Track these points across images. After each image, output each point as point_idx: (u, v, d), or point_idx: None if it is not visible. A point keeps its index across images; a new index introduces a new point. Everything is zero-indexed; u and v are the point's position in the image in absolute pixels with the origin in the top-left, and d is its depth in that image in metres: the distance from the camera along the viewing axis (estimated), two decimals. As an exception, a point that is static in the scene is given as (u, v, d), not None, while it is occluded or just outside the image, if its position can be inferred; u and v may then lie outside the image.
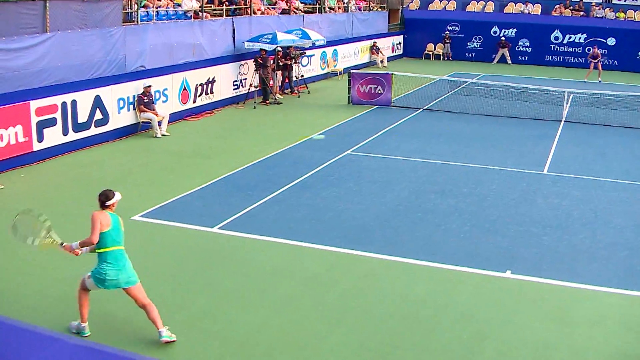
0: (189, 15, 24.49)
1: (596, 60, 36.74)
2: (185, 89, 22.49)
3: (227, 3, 27.25)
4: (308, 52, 30.51)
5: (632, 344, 8.98)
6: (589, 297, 10.33)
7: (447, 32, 45.00)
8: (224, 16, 26.27)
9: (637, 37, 42.02)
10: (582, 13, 44.64)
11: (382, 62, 39.74)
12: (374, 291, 10.21)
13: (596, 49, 37.83)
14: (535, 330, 9.20)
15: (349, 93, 26.26)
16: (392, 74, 26.32)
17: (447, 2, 47.25)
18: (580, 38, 43.24)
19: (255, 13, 28.58)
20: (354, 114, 24.10)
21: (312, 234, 12.38)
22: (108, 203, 8.47)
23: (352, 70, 27.49)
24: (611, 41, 42.41)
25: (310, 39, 28.66)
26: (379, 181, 15.88)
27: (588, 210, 14.29)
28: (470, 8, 46.55)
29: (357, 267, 11.09)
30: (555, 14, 44.86)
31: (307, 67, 31.19)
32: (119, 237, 8.43)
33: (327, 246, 11.83)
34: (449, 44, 45.01)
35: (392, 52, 44.11)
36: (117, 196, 8.60)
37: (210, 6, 26.47)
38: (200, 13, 24.87)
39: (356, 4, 42.24)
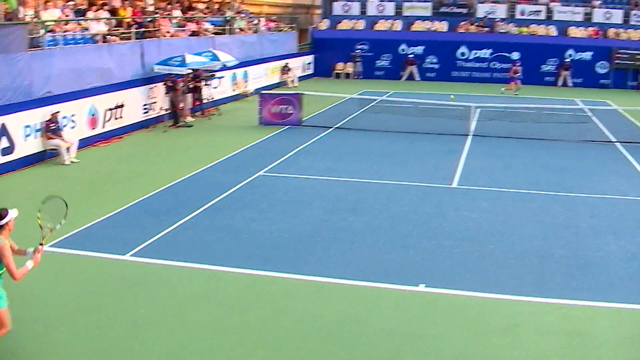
0: (97, 39, 24.14)
1: (516, 76, 38.35)
2: (93, 114, 22.14)
3: (135, 26, 27.00)
4: (218, 74, 30.44)
5: (545, 350, 9.25)
6: (502, 306, 10.59)
7: (356, 51, 45.57)
8: (133, 39, 25.98)
9: (539, 51, 43.45)
10: (486, 29, 45.90)
11: (292, 82, 39.96)
12: (292, 311, 10.23)
13: (517, 66, 39.06)
14: (450, 342, 9.37)
15: (259, 114, 26.28)
16: (302, 93, 26.51)
17: (355, 21, 47.87)
18: (485, 53, 44.53)
19: (164, 36, 28.38)
20: (265, 134, 24.15)
21: (227, 257, 12.32)
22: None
23: (262, 91, 27.57)
24: (515, 55, 43.71)
25: (220, 60, 28.62)
26: (292, 201, 15.95)
27: (497, 221, 14.67)
28: (378, 27, 47.28)
29: (274, 288, 11.10)
30: (461, 31, 46.01)
31: (218, 89, 31.10)
32: None
33: (243, 268, 11.80)
34: (358, 63, 45.58)
35: (303, 72, 44.42)
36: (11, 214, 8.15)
37: (119, 29, 26.16)
38: (108, 37, 24.56)
39: (266, 24, 42.42)
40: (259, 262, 12.08)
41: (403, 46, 45.41)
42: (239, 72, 34.02)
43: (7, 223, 8.08)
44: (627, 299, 10.91)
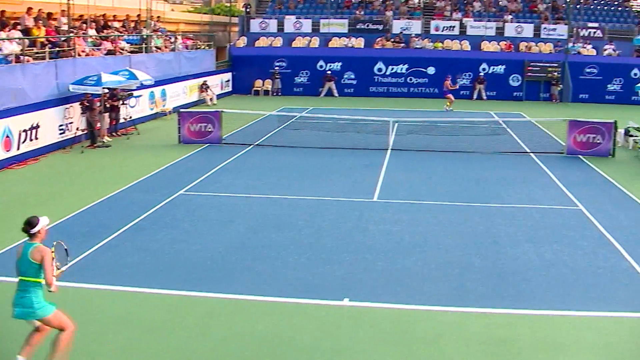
0: (10, 59, 23.58)
1: (452, 89, 38.70)
2: (7, 135, 21.58)
3: (49, 46, 26.47)
4: (136, 93, 30.09)
5: (467, 358, 9.39)
6: (425, 317, 10.71)
7: (275, 68, 45.67)
8: (47, 59, 25.47)
9: (454, 65, 44.36)
10: (402, 45, 46.66)
11: (211, 99, 39.79)
12: (218, 331, 10.13)
13: (448, 81, 39.44)
14: (375, 354, 9.43)
15: (179, 132, 26.06)
16: (222, 111, 26.40)
17: (273, 38, 48.02)
18: (402, 69, 45.20)
19: (79, 55, 27.91)
20: (185, 153, 23.95)
21: (150, 278, 12.14)
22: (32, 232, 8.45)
23: (181, 110, 27.36)
24: (431, 70, 44.55)
25: (137, 79, 28.30)
26: (214, 219, 15.84)
27: (418, 234, 14.86)
28: (296, 44, 47.54)
29: (198, 308, 10.98)
30: (377, 47, 46.64)
31: (135, 108, 30.73)
32: (21, 267, 8.38)
33: (166, 290, 11.64)
34: (278, 80, 45.68)
35: (221, 89, 44.28)
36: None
37: (32, 49, 25.61)
38: (21, 57, 24.02)
39: (183, 42, 42.17)
40: (182, 283, 11.94)
41: (321, 62, 45.75)
42: (157, 90, 33.70)
43: (39, 231, 8.45)
44: (546, 305, 11.17)
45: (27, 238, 8.48)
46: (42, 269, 8.25)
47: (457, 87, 40.16)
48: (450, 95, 38.26)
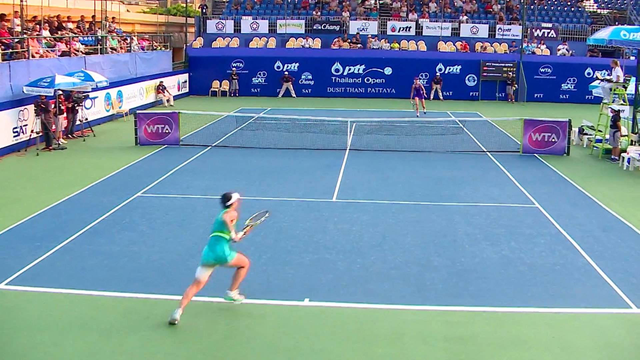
0: (-39, 61, 23.19)
1: (420, 92, 36.34)
2: (-41, 139, 21.23)
3: (2, 47, 26.05)
4: (91, 94, 29.76)
5: (430, 357, 9.45)
6: (386, 315, 10.76)
7: (232, 68, 45.49)
8: (0, 61, 25.08)
9: (411, 66, 44.63)
10: (359, 45, 46.85)
11: (168, 101, 39.51)
12: (177, 333, 10.06)
13: (418, 82, 37.11)
14: (336, 354, 9.45)
15: (136, 134, 25.83)
16: (179, 112, 26.22)
17: (230, 39, 47.86)
18: (359, 69, 45.30)
19: (33, 56, 27.52)
20: (143, 154, 23.75)
21: (108, 282, 12.00)
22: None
23: (138, 111, 27.12)
24: (388, 70, 44.76)
25: (93, 80, 27.99)
26: (173, 222, 15.72)
27: (377, 233, 14.91)
28: (253, 44, 47.44)
29: (157, 311, 10.87)
30: (335, 47, 46.73)
31: (92, 110, 30.40)
32: (214, 226, 10.94)
33: (124, 293, 11.52)
34: (235, 81, 45.53)
35: (178, 90, 43.99)
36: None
37: (-16, 51, 25.25)
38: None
39: (139, 43, 41.81)
40: (141, 286, 11.84)
41: (278, 63, 45.69)
42: (113, 91, 33.37)
43: (232, 203, 10.90)
44: (505, 302, 11.30)
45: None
46: (227, 227, 10.66)
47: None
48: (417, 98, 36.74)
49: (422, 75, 44.95)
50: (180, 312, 10.35)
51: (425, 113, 35.41)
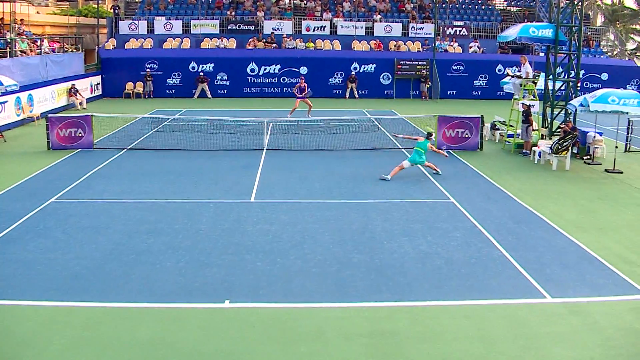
0: None
1: (303, 94, 33.47)
2: None
3: None
4: (0, 99, 28.94)
5: (352, 353, 9.53)
6: (308, 314, 10.81)
7: (147, 70, 44.90)
8: None
9: (326, 65, 44.89)
10: (274, 45, 46.79)
11: (81, 104, 38.74)
12: (97, 341, 9.88)
13: (303, 82, 34.67)
14: (259, 354, 9.47)
15: (48, 138, 25.21)
16: (92, 115, 25.73)
17: (143, 40, 47.20)
18: (275, 69, 45.26)
19: None
20: (55, 159, 23.20)
21: (23, 291, 11.69)
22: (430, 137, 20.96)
23: (50, 115, 26.49)
24: (303, 70, 44.84)
25: (2, 84, 27.21)
26: (88, 227, 15.42)
27: (296, 232, 14.95)
28: (167, 45, 46.90)
29: (76, 318, 10.66)
30: (250, 47, 46.59)
31: (1, 114, 29.56)
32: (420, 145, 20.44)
33: (41, 301, 11.25)
34: (150, 82, 44.93)
35: (91, 93, 43.12)
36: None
37: None
38: None
39: (49, 45, 40.84)
40: (58, 294, 11.58)
41: (193, 64, 45.26)
42: (24, 95, 32.50)
43: (432, 137, 21.40)
44: (424, 296, 11.50)
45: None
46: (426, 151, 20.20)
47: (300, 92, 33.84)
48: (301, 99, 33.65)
49: (337, 74, 45.34)
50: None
51: (290, 115, 32.10)
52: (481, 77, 46.00)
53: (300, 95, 33.46)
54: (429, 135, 21.23)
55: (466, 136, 25.35)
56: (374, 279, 12.30)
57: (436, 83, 45.02)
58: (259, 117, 28.03)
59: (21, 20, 41.39)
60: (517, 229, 15.42)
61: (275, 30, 47.98)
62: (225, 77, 45.43)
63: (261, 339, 9.93)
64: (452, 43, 48.15)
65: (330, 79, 45.50)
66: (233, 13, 49.56)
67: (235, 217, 16.24)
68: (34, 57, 36.53)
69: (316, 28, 48.51)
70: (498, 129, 28.37)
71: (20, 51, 35.78)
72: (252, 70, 45.31)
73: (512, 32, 26.75)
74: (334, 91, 45.44)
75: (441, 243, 14.30)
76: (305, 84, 34.30)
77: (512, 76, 27.94)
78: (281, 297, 11.44)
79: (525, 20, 48.06)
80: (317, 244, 14.21)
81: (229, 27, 48.09)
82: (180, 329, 10.27)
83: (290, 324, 10.46)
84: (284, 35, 47.44)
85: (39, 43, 38.99)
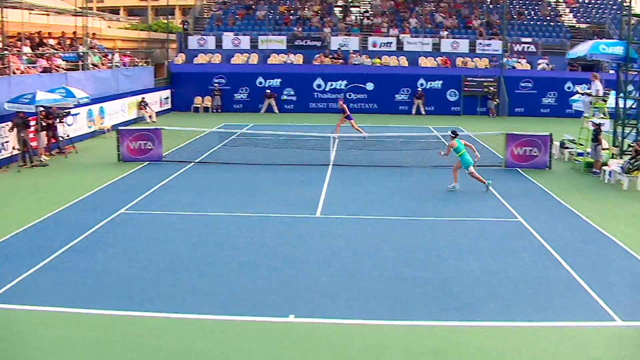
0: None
1: (345, 115, 32.15)
2: (-60, 157, 21.05)
3: (-18, 64, 26.04)
4: (73, 111, 29.67)
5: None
6: (370, 331, 10.74)
7: (215, 84, 45.50)
8: (-20, 77, 25.04)
9: (392, 81, 44.86)
10: (341, 61, 46.93)
11: (150, 117, 39.44)
12: (160, 351, 9.99)
13: (342, 103, 33.87)
14: (322, 371, 9.45)
15: (118, 150, 25.74)
16: (162, 128, 26.17)
17: (212, 55, 47.83)
18: (341, 85, 45.39)
19: (14, 73, 27.42)
20: (125, 171, 23.66)
21: (91, 299, 11.91)
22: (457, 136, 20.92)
23: (121, 127, 27.01)
24: (370, 86, 44.90)
25: (75, 97, 27.92)
26: (155, 238, 15.65)
27: (361, 249, 14.90)
28: (236, 60, 47.42)
29: (140, 328, 10.82)
30: (317, 63, 46.82)
31: (74, 126, 30.31)
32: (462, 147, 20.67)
33: (108, 310, 11.44)
34: (218, 97, 45.52)
35: (161, 106, 43.91)
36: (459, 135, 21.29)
37: (-35, 68, 25.17)
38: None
39: (121, 59, 41.73)
40: (124, 303, 11.76)
41: (260, 79, 45.74)
42: (96, 108, 33.27)
43: (457, 135, 21.43)
44: (489, 316, 11.32)
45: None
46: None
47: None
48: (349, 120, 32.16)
49: (403, 91, 45.27)
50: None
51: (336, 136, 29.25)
52: (550, 94, 45.36)
53: (346, 115, 32.02)
54: (454, 134, 21.34)
55: (535, 154, 24.98)
56: (439, 297, 12.17)
57: (504, 100, 44.55)
58: (325, 133, 28.12)
59: (93, 34, 42.40)
60: (586, 250, 15.10)
61: (342, 46, 48.10)
62: (292, 93, 45.76)
63: (325, 355, 9.89)
64: (520, 60, 47.58)
65: (396, 95, 45.47)
66: (300, 29, 49.90)
67: (300, 231, 16.28)
68: (105, 71, 37.38)
69: (383, 44, 48.47)
70: (567, 148, 27.89)
71: (93, 64, 36.65)
72: (319, 85, 45.53)
73: (583, 49, 26.32)
74: (400, 107, 45.37)
75: (508, 262, 14.09)
76: (345, 105, 32.96)
77: (582, 94, 27.48)
78: (345, 312, 11.39)
79: (595, 37, 47.10)
80: (382, 260, 14.14)
81: (296, 43, 48.41)
82: (243, 343, 10.31)
83: (354, 340, 10.41)
84: (351, 51, 47.52)
85: (110, 57, 39.86)
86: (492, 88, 44.78)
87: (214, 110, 45.44)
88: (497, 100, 44.61)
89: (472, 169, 20.78)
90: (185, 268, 13.63)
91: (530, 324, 11.09)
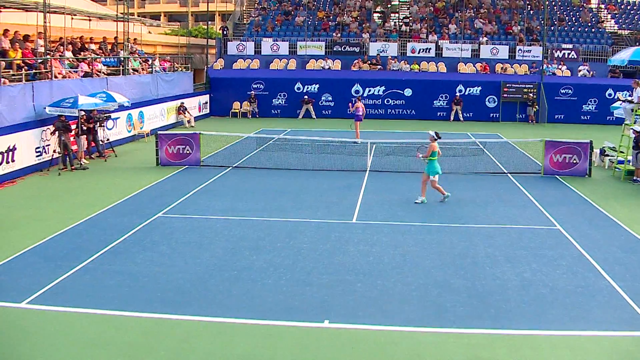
0: (-15, 81, 23.45)
1: (359, 115, 33.01)
2: (-17, 159, 21.42)
3: (26, 68, 26.36)
4: (113, 115, 30.00)
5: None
6: (405, 338, 10.68)
7: (252, 90, 45.74)
8: (24, 81, 25.38)
9: (430, 87, 44.72)
10: (379, 67, 46.91)
11: (189, 122, 39.75)
12: (195, 354, 10.04)
13: (359, 103, 33.93)
14: (356, 377, 9.41)
15: (157, 154, 25.97)
16: (200, 133, 26.35)
17: (250, 61, 48.10)
18: (379, 90, 45.35)
19: (56, 77, 27.81)
20: (164, 175, 23.87)
21: (128, 301, 12.03)
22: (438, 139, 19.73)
23: (160, 132, 27.26)
24: (408, 92, 44.80)
25: (115, 101, 28.22)
26: (192, 242, 15.75)
27: (397, 255, 14.86)
28: (274, 66, 47.64)
29: (176, 331, 10.89)
30: (355, 69, 46.84)
31: (113, 130, 30.65)
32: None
33: (144, 312, 11.54)
34: (255, 102, 45.75)
35: (199, 111, 44.26)
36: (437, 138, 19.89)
37: (9, 71, 25.50)
38: (-3, 79, 23.90)
39: (160, 65, 42.13)
40: (160, 306, 11.86)
41: (298, 84, 45.89)
42: (135, 112, 33.62)
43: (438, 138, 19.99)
44: (525, 325, 11.20)
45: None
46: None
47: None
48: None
49: (442, 97, 45.10)
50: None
51: (358, 143, 29.95)
52: (590, 101, 44.86)
53: (357, 115, 32.68)
54: (437, 136, 20.09)
55: (574, 162, 24.69)
56: (475, 305, 12.08)
57: (543, 106, 44.14)
58: (363, 139, 28.06)
59: (134, 39, 42.85)
60: (625, 259, 14.88)
61: (380, 52, 48.11)
62: (330, 98, 45.82)
63: (359, 361, 9.89)
64: (560, 66, 47.14)
65: (434, 101, 45.31)
66: (339, 35, 50.01)
67: (336, 237, 16.27)
68: (145, 76, 37.75)
69: (421, 50, 48.38)
70: (607, 155, 27.53)
71: (133, 69, 37.04)
72: (357, 91, 45.50)
73: (624, 56, 25.99)
74: (439, 113, 45.22)
75: (545, 271, 13.94)
76: (359, 106, 33.27)
77: (624, 101, 27.12)
78: (380, 319, 11.36)
79: (637, 44, 46.61)
80: (418, 267, 14.09)
81: (335, 49, 48.53)
82: (278, 347, 10.33)
83: (387, 347, 10.37)
84: (389, 57, 47.48)
85: (150, 62, 40.26)
86: (531, 94, 44.42)
87: (252, 116, 45.64)
88: (536, 106, 44.24)
89: (437, 177, 20.04)
90: (221, 272, 13.69)
91: (567, 332, 10.95)
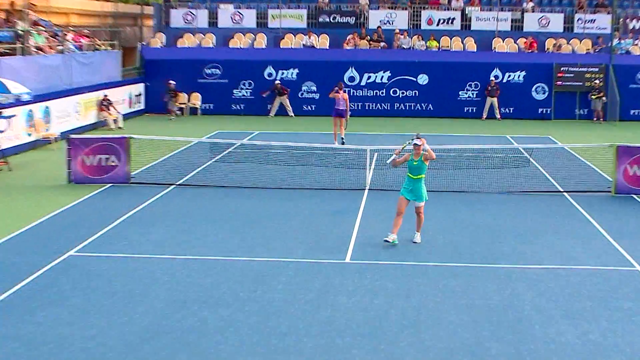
0: None
1: (340, 109, 34.02)
2: None
3: None
4: (6, 112, 29.81)
5: None
6: None
7: (205, 77, 45.67)
8: None
9: (454, 72, 44.69)
10: (382, 44, 46.83)
11: (115, 121, 39.66)
12: None
13: (341, 93, 34.78)
14: None
15: (68, 168, 25.81)
16: (130, 137, 26.22)
17: (202, 36, 48.05)
18: (383, 77, 45.37)
19: None
20: (78, 197, 23.74)
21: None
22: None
23: (72, 135, 27.10)
24: (422, 79, 44.87)
25: (8, 92, 28.05)
26: (119, 292, 15.60)
27: (409, 308, 14.77)
28: (235, 43, 47.60)
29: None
30: (349, 47, 46.78)
31: (6, 134, 30.45)
32: (412, 171, 19.36)
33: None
34: (173, 99, 45.31)
35: (130, 107, 44.23)
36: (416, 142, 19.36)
37: None
38: None
39: (75, 40, 41.95)
40: (72, 385, 11.71)
41: (270, 69, 45.90)
42: (37, 108, 33.42)
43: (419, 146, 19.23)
44: (592, 408, 11.12)
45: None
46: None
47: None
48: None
49: (470, 86, 45.18)
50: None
51: (343, 141, 32.90)
52: (680, 90, 45.20)
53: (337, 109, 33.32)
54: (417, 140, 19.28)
55: (658, 175, 24.77)
56: (521, 379, 12.02)
57: (614, 98, 44.33)
58: (360, 145, 28.03)
59: (37, 5, 42.72)
60: None
61: (384, 23, 48.18)
62: (314, 89, 45.88)
63: None
64: (637, 41, 47.38)
65: (460, 92, 45.42)
66: (326, 1, 49.93)
67: (323, 283, 16.19)
68: (53, 56, 37.66)
69: (442, 21, 48.50)
70: None
71: (36, 47, 36.86)
72: (351, 78, 45.58)
73: None
74: (466, 109, 45.37)
75: (621, 331, 13.87)
76: (344, 95, 34.02)
77: None
78: (386, 401, 11.28)
79: None
80: (439, 326, 13.99)
81: (320, 19, 48.56)
82: None
83: None
84: (396, 31, 47.49)
85: (60, 37, 40.12)
86: (597, 81, 44.61)
87: (203, 112, 45.57)
88: (604, 98, 44.39)
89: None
90: (159, 335, 13.53)
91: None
